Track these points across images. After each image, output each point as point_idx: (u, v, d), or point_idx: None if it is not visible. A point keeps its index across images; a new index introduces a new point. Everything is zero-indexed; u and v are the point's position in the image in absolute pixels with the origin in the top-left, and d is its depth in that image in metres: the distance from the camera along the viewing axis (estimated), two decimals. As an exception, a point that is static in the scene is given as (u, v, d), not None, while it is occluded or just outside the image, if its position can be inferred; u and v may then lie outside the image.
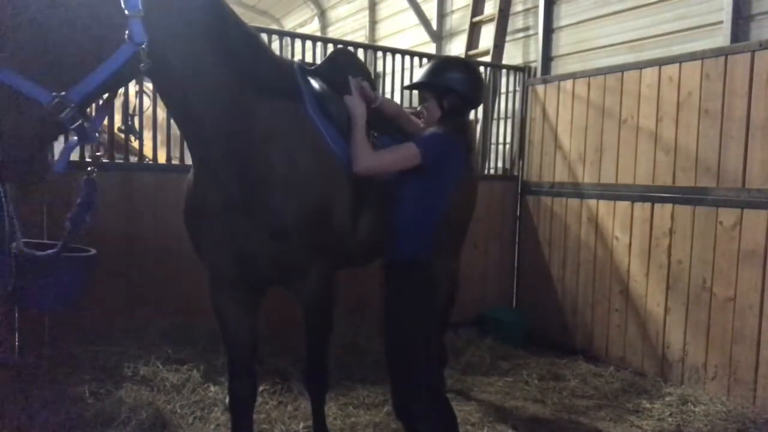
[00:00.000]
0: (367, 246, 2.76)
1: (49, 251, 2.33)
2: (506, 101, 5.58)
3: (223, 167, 2.25)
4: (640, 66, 4.44)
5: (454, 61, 3.40)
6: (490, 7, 6.11)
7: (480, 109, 5.13)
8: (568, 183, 5.03)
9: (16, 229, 2.30)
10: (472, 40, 6.17)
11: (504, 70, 5.60)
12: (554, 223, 5.16)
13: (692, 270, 4.06)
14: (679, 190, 4.15)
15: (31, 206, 3.29)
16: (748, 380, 3.73)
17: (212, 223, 2.34)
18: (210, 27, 2.10)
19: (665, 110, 4.24)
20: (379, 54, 5.11)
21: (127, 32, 1.83)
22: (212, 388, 3.52)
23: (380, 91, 3.69)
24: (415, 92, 3.15)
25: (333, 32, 9.54)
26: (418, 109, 2.81)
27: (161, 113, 5.20)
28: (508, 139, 5.65)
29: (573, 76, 5.01)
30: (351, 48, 4.69)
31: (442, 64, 2.69)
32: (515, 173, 5.59)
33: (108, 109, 2.16)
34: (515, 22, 6.02)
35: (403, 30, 7.84)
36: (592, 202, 4.80)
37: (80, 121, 1.79)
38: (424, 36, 7.26)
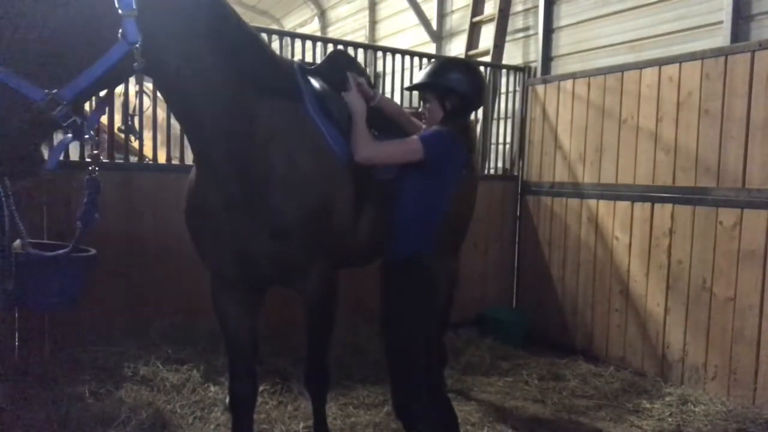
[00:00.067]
0: (367, 245, 2.76)
1: (61, 251, 2.33)
2: (506, 101, 5.58)
3: (223, 167, 2.25)
4: (640, 66, 4.44)
5: (456, 61, 3.39)
6: (490, 7, 6.11)
7: (480, 109, 5.13)
8: (568, 183, 5.03)
9: (21, 229, 2.31)
10: (472, 40, 6.17)
11: (504, 70, 5.60)
12: (554, 223, 5.16)
13: (692, 270, 4.06)
14: (679, 190, 4.15)
15: (31, 206, 3.29)
16: (748, 380, 3.73)
17: (213, 223, 2.34)
18: (210, 27, 2.10)
19: (665, 110, 4.24)
20: (379, 54, 5.11)
21: (120, 31, 1.83)
22: (212, 388, 3.52)
23: (380, 91, 3.68)
24: (416, 92, 3.14)
25: (333, 32, 9.54)
26: (420, 110, 2.81)
27: (161, 113, 5.21)
28: (508, 139, 5.65)
29: (573, 76, 5.01)
30: (351, 48, 4.72)
31: (443, 65, 2.69)
32: (515, 173, 5.59)
33: (105, 107, 2.16)
34: (515, 22, 6.02)
35: (403, 30, 7.84)
36: (592, 202, 4.80)
37: (73, 119, 1.80)
38: (424, 36, 7.26)
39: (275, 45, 4.28)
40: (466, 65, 2.86)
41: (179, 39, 2.01)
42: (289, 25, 10.78)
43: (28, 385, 3.21)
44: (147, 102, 3.84)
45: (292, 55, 5.15)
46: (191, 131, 2.26)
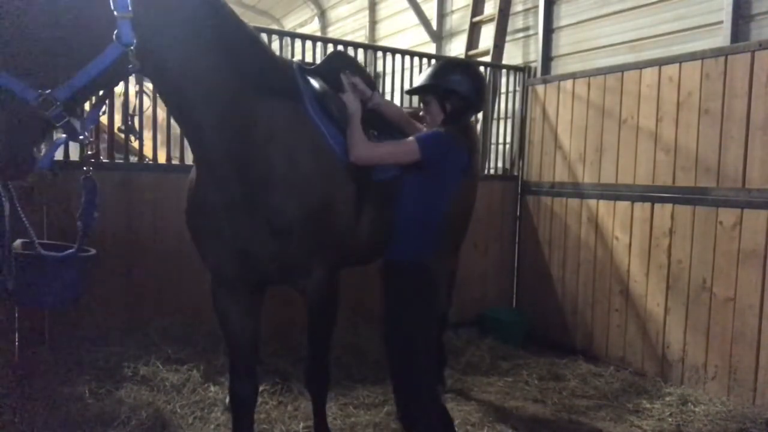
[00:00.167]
0: (367, 245, 2.76)
1: (68, 251, 2.34)
2: (506, 101, 5.58)
3: (223, 167, 2.25)
4: (640, 66, 4.44)
5: (456, 63, 3.38)
6: (490, 7, 6.11)
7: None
8: (568, 183, 5.03)
9: (28, 228, 2.31)
10: (472, 40, 6.17)
11: (504, 70, 5.60)
12: (554, 223, 5.16)
13: (692, 270, 4.06)
14: (679, 190, 4.15)
15: (31, 206, 3.29)
16: (748, 380, 3.73)
17: (213, 223, 2.34)
18: (210, 27, 2.09)
19: (665, 110, 4.24)
20: (379, 54, 5.11)
21: (115, 32, 1.83)
22: (212, 388, 3.52)
23: (380, 91, 3.68)
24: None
25: (333, 32, 9.54)
26: (421, 114, 2.80)
27: (161, 113, 5.21)
28: (508, 139, 5.65)
29: (573, 76, 5.01)
30: (351, 48, 4.72)
31: (443, 67, 2.68)
32: (515, 173, 5.59)
33: (102, 108, 2.16)
34: (515, 22, 6.02)
35: (403, 30, 7.85)
36: (592, 202, 4.80)
37: (67, 119, 1.80)
38: (424, 36, 7.26)
39: (275, 45, 4.28)
40: (466, 66, 2.84)
41: (178, 40, 2.00)
42: (289, 25, 10.78)
43: (28, 385, 3.21)
44: (147, 102, 3.84)
45: (292, 55, 5.15)
46: (191, 133, 2.26)
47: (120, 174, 3.87)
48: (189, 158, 3.55)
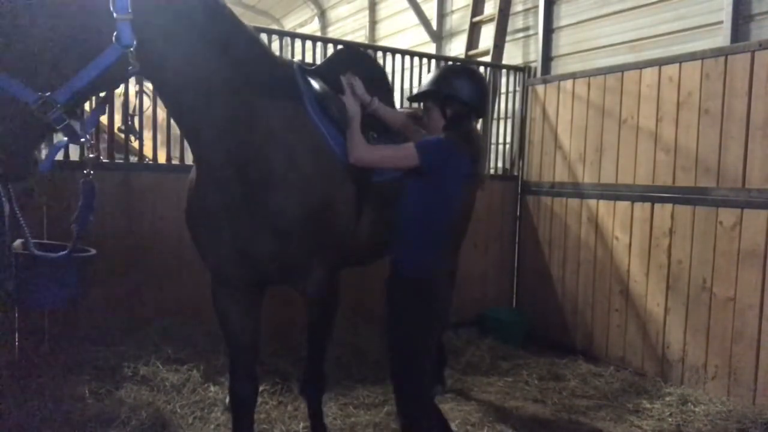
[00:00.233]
0: (367, 246, 2.76)
1: (61, 253, 2.33)
2: (506, 101, 5.58)
3: (223, 167, 2.25)
4: (640, 66, 4.44)
5: (457, 68, 3.35)
6: (490, 7, 6.11)
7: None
8: (568, 183, 5.03)
9: (24, 229, 2.31)
10: (472, 40, 6.17)
11: (504, 70, 5.60)
12: (554, 223, 5.16)
13: (692, 270, 4.06)
14: (679, 190, 4.15)
15: (31, 206, 3.29)
16: (748, 380, 3.73)
17: (213, 223, 2.34)
18: (209, 29, 2.09)
19: (665, 110, 4.24)
20: (379, 54, 5.11)
21: (114, 34, 1.83)
22: (212, 388, 3.52)
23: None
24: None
25: (333, 32, 9.54)
26: (421, 118, 2.78)
27: (161, 113, 5.20)
28: (508, 139, 5.65)
29: (573, 76, 5.01)
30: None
31: (444, 73, 2.66)
32: (515, 173, 5.59)
33: (102, 109, 2.16)
34: (515, 22, 6.02)
35: (403, 30, 7.84)
36: (592, 202, 4.80)
37: (67, 121, 1.79)
38: (424, 36, 7.26)
39: (275, 45, 4.28)
40: (467, 71, 2.79)
41: (178, 41, 2.00)
42: (289, 25, 10.78)
43: (27, 385, 3.21)
44: (147, 102, 3.84)
45: (292, 55, 5.15)
46: (191, 133, 2.26)
47: (120, 174, 3.87)
48: (189, 158, 3.55)
